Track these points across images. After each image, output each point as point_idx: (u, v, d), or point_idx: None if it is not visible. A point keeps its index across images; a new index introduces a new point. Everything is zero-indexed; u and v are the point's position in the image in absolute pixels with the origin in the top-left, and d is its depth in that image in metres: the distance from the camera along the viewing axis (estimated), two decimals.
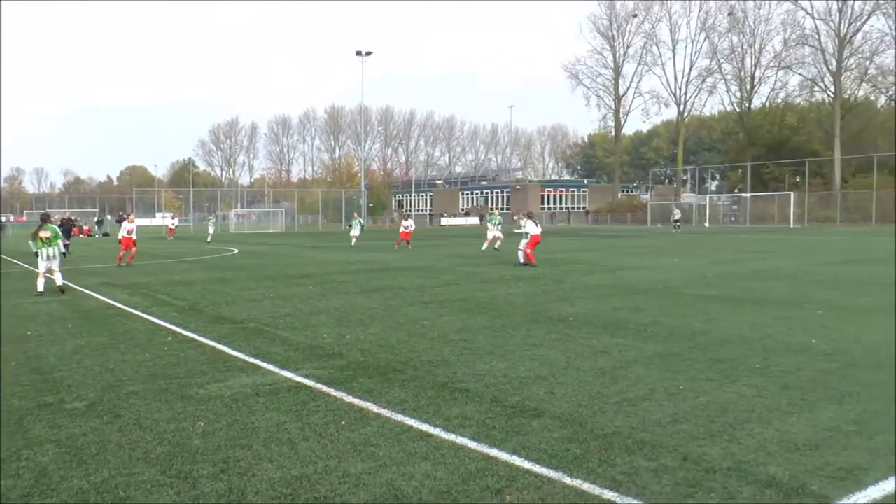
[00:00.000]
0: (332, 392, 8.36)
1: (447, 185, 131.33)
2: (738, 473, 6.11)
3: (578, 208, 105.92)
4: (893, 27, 77.54)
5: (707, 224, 75.55)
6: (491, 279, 19.63)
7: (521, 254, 24.26)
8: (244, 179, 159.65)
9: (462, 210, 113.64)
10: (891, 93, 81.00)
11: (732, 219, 77.71)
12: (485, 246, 33.01)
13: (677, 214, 62.92)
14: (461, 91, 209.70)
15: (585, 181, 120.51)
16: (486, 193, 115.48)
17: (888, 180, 72.50)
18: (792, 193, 73.84)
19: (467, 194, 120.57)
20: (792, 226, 67.99)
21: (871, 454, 6.51)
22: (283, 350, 10.56)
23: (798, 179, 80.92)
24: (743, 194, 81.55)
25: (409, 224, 35.17)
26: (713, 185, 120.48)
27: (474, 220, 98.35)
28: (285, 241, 48.82)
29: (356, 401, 8.02)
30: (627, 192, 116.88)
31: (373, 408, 7.78)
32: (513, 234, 39.80)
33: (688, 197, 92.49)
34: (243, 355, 10.29)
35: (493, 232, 32.69)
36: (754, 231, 58.33)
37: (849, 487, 5.87)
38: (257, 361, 9.92)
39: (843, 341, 10.87)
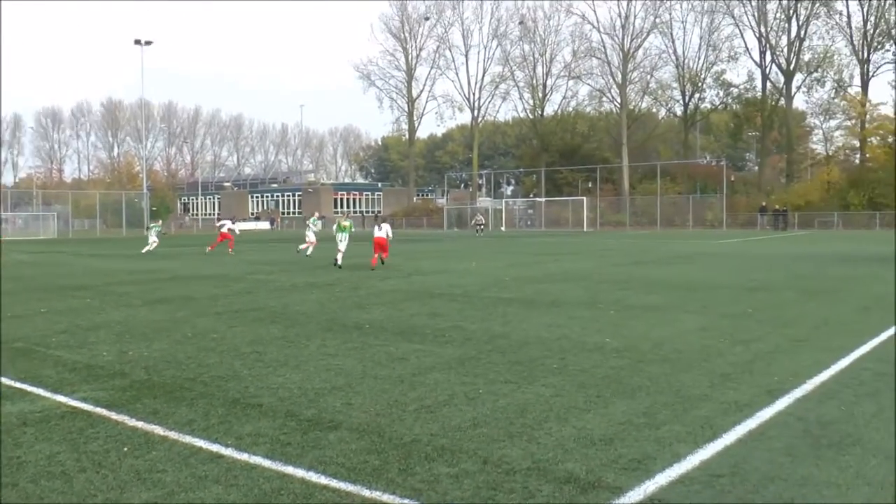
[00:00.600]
0: (113, 416, 7.95)
1: (235, 188, 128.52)
2: (538, 472, 6.23)
3: (372, 212, 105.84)
4: (671, 45, 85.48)
5: (504, 228, 77.29)
6: (284, 287, 19.08)
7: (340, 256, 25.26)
8: (7, 179, 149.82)
9: (252, 214, 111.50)
10: (669, 105, 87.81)
11: (529, 223, 79.86)
12: (310, 250, 32.42)
13: (480, 219, 65.32)
14: (249, 90, 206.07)
15: (380, 184, 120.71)
16: (277, 196, 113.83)
17: (670, 186, 79.41)
18: (585, 198, 77.34)
19: (257, 197, 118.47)
20: (585, 229, 70.91)
21: (658, 444, 6.82)
22: (57, 371, 9.92)
23: (590, 185, 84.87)
24: (538, 199, 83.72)
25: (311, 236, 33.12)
26: (508, 189, 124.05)
27: (265, 225, 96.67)
28: (59, 248, 46.04)
29: (140, 424, 7.67)
30: (422, 195, 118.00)
31: (158, 430, 7.46)
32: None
33: (484, 201, 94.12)
34: (7, 380, 9.52)
35: (311, 234, 32.18)
36: (550, 235, 59.64)
37: (640, 477, 6.10)
38: (25, 386, 9.22)
39: (634, 338, 11.21)
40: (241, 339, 11.75)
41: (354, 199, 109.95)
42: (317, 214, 35.22)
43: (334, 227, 28.61)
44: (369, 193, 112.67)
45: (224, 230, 36.30)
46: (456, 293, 16.81)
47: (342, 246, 26.06)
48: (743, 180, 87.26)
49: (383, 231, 24.69)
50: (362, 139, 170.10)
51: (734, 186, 79.13)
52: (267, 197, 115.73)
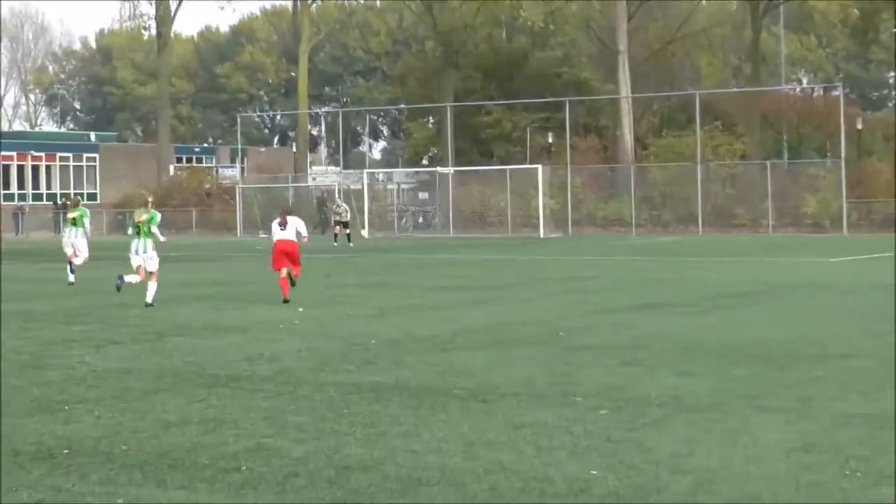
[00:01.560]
0: None
1: None
2: None
3: (76, 194, 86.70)
4: None
5: (366, 231, 68.99)
6: None
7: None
8: None
9: None
10: None
11: (421, 220, 68.44)
12: None
13: (342, 209, 50.86)
14: None
15: (93, 136, 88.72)
16: None
17: (723, 142, 57.21)
18: (540, 167, 66.22)
19: None
20: (543, 234, 62.11)
21: None
22: None
23: (551, 140, 73.92)
24: (441, 169, 72.18)
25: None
26: (377, 148, 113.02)
27: None
28: None
29: None
30: (189, 161, 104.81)
31: None
32: None
33: (325, 173, 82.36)
34: None
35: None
36: (468, 246, 53.00)
37: None
38: None
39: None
40: None
41: (37, 167, 71.51)
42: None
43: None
44: (70, 155, 73.32)
45: None
46: (262, 374, 9.83)
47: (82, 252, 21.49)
48: (884, 128, 57.88)
49: (290, 230, 17.46)
50: (54, 39, 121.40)
51: (864, 142, 52.12)
52: None
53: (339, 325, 14.21)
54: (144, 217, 17.38)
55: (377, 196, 58.48)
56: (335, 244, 39.11)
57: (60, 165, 72.83)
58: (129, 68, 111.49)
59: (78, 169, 74.03)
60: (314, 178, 68.40)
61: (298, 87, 67.32)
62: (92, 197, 70.55)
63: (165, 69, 69.14)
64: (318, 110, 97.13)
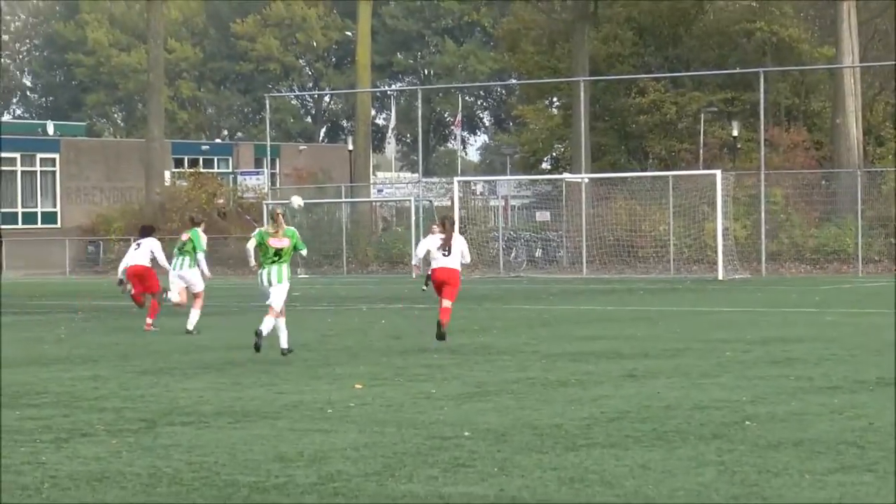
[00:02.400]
0: None
1: None
2: None
3: None
4: None
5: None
6: None
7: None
8: None
9: None
10: None
11: (541, 252, 72.99)
12: None
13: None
14: None
15: (51, 126, 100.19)
16: None
17: None
18: (719, 173, 70.11)
19: None
20: (722, 275, 63.54)
21: None
22: None
23: (735, 132, 77.12)
24: (571, 176, 76.57)
25: None
26: (474, 145, 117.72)
27: None
28: None
29: None
30: (189, 164, 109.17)
31: None
32: None
33: (395, 182, 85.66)
34: None
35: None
36: (603, 290, 56.02)
37: None
38: None
39: None
40: None
41: None
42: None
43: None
44: (16, 156, 75.35)
45: None
46: (300, 482, 10.40)
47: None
48: None
49: (144, 251, 24.53)
50: None
51: None
52: None
53: (415, 409, 14.86)
54: (186, 237, 23.32)
55: (474, 216, 60.42)
56: (425, 288, 39.79)
57: (3, 171, 73.96)
58: (105, 26, 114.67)
59: (28, 176, 75.74)
60: (380, 190, 69.65)
61: (357, 54, 69.69)
62: (49, 218, 72.18)
63: (158, 27, 71.30)
64: (387, 88, 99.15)
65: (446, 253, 21.66)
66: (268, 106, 73.29)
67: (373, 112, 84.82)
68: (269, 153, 73.05)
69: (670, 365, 19.40)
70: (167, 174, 69.24)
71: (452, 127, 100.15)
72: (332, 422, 13.83)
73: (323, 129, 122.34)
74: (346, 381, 16.92)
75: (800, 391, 15.92)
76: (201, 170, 76.48)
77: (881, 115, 64.18)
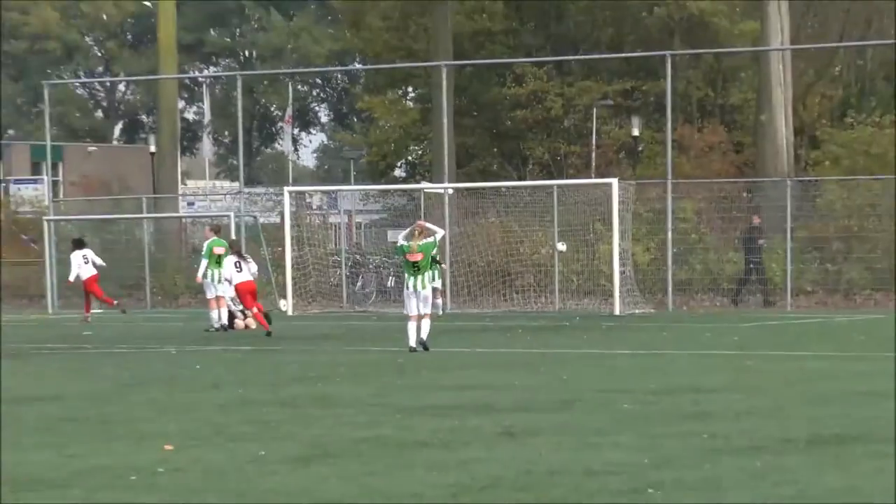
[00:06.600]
0: None
1: None
2: None
3: None
4: None
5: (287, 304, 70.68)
6: None
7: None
8: None
9: None
10: None
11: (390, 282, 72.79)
12: None
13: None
14: None
15: None
16: None
17: None
18: (615, 181, 70.43)
19: None
20: (634, 309, 63.66)
21: None
22: None
23: (635, 129, 78.07)
24: (432, 186, 76.99)
25: None
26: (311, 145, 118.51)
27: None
28: None
29: None
30: None
31: None
32: None
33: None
34: None
35: None
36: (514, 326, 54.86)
37: None
38: None
39: None
40: None
41: None
42: None
43: None
44: None
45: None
46: None
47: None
48: None
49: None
50: None
51: None
52: None
53: (241, 476, 14.93)
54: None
55: (310, 235, 58.91)
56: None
57: None
58: None
59: None
60: (191, 204, 69.13)
61: (159, 31, 69.15)
62: None
63: None
64: (198, 74, 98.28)
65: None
66: (46, 96, 71.90)
67: (181, 104, 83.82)
68: (49, 156, 72.06)
69: (556, 421, 19.44)
70: None
71: (281, 123, 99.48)
72: (137, 492, 13.78)
73: (118, 127, 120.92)
74: (154, 442, 16.83)
75: (714, 452, 16.00)
76: None
77: (816, 110, 64.29)
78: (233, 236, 49.43)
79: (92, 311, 47.93)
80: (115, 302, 49.63)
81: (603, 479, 14.41)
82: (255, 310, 38.99)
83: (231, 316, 41.22)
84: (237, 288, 38.84)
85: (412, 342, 29.89)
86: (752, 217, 51.36)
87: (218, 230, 43.67)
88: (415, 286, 29.66)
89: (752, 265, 50.63)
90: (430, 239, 30.33)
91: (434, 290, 35.47)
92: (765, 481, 13.99)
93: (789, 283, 49.79)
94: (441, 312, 45.55)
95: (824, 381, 24.94)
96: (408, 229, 31.92)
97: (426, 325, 29.99)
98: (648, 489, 13.62)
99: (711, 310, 50.68)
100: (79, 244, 47.37)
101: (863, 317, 44.62)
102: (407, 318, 30.35)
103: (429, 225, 33.85)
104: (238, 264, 38.87)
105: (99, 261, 47.90)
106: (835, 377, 26.09)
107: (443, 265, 42.77)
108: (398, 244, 31.80)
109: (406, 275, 30.28)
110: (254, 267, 40.23)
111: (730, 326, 41.88)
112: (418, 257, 29.35)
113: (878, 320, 41.98)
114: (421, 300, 29.77)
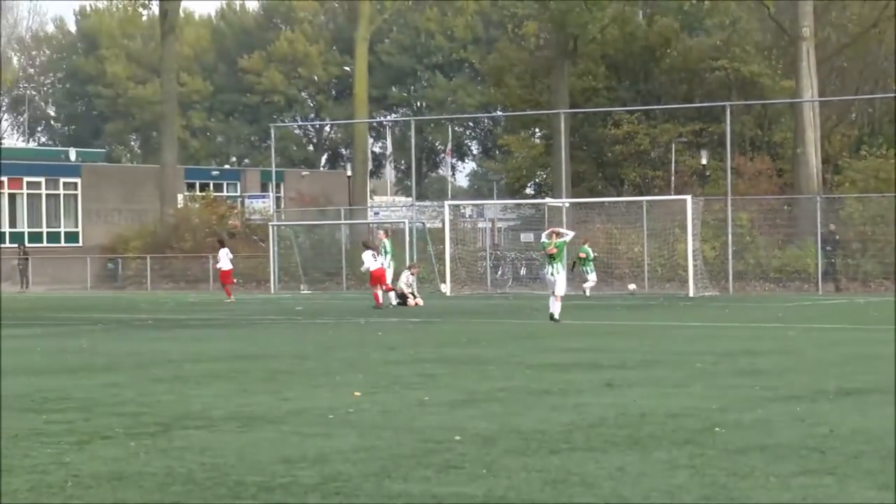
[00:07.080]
0: None
1: None
2: None
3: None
4: None
5: (448, 288, 69.89)
6: None
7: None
8: None
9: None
10: None
11: (523, 270, 73.51)
12: None
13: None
14: None
15: (73, 153, 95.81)
16: None
17: None
18: (689, 198, 70.41)
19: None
20: (693, 292, 63.53)
21: None
22: None
23: (704, 160, 77.80)
24: (553, 201, 76.23)
25: None
26: (464, 171, 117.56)
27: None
28: None
29: None
30: (201, 188, 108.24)
31: None
32: None
33: (391, 205, 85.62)
34: None
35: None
36: (605, 308, 54.89)
37: None
38: None
39: None
40: None
41: None
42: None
43: None
44: (41, 180, 75.44)
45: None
46: (304, 482, 10.08)
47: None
48: None
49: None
50: (19, 20, 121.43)
51: None
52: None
53: (410, 415, 14.62)
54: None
55: (463, 237, 60.10)
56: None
57: (28, 194, 74.64)
58: (122, 61, 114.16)
59: (52, 199, 75.87)
60: (376, 213, 69.39)
61: (355, 88, 69.78)
62: (72, 238, 72.08)
63: (171, 62, 71.55)
64: (383, 119, 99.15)
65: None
66: (273, 135, 73.30)
67: (370, 141, 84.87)
68: (273, 178, 73.38)
69: (645, 375, 19.18)
70: (180, 197, 69.38)
71: (443, 155, 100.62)
72: (333, 427, 13.65)
73: (324, 157, 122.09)
74: (346, 390, 16.71)
75: (765, 400, 15.70)
76: (212, 193, 76.76)
77: (838, 145, 64.72)
78: (407, 238, 49.90)
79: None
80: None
81: (681, 419, 14.19)
82: (382, 288, 39.90)
83: (404, 296, 41.18)
84: (372, 273, 39.93)
85: (552, 311, 30.06)
86: (830, 224, 51.74)
87: (388, 234, 44.65)
88: (550, 272, 30.20)
89: (831, 259, 50.89)
90: (562, 238, 30.84)
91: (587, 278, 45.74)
92: (803, 423, 13.75)
93: (819, 274, 49.73)
94: (588, 293, 46.85)
95: (847, 346, 24.54)
96: (546, 231, 32.75)
97: (555, 303, 30.06)
98: (715, 428, 13.36)
99: (761, 293, 50.55)
100: (366, 246, 42.97)
101: (876, 299, 44.31)
102: (551, 294, 30.45)
103: (561, 230, 34.20)
104: (374, 256, 39.96)
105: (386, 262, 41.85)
106: (855, 343, 25.81)
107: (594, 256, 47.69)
108: (541, 241, 32.81)
109: (546, 263, 30.98)
110: (381, 259, 40.43)
111: (775, 305, 41.39)
112: (553, 251, 30.11)
113: (887, 301, 41.57)
114: (556, 282, 29.98)
